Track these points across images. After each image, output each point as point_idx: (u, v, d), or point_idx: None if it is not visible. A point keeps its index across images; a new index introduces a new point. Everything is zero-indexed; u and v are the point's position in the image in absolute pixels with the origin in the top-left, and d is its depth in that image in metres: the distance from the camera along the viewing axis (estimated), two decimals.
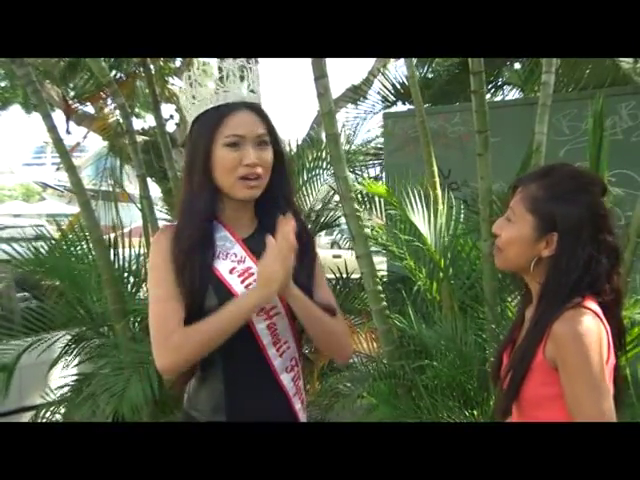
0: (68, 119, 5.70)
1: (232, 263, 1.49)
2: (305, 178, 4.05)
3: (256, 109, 1.50)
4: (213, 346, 1.43)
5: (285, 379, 1.52)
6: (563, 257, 1.34)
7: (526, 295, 1.49)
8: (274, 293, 1.43)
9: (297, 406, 1.55)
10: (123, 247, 3.69)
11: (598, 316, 1.31)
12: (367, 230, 3.11)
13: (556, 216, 1.35)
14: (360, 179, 4.39)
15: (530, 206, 1.39)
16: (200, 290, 1.45)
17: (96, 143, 7.73)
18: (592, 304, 1.33)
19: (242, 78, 1.51)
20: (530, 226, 1.38)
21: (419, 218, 3.02)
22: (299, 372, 1.57)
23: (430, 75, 5.73)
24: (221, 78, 1.49)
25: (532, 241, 1.38)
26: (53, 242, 3.58)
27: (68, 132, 5.33)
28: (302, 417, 1.57)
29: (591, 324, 1.29)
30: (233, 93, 1.49)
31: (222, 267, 1.49)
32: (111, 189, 6.07)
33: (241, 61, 1.51)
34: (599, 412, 1.26)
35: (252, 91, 1.52)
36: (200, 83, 1.50)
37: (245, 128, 1.47)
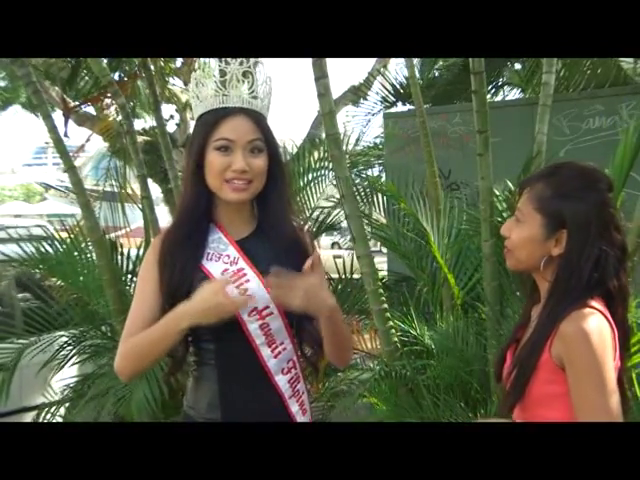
0: (67, 121, 5.66)
1: (224, 265, 1.48)
2: (307, 179, 4.05)
3: (253, 115, 1.49)
4: (151, 358, 1.44)
5: (280, 381, 1.50)
6: (573, 254, 1.35)
7: (533, 294, 1.49)
8: (208, 321, 1.37)
9: (294, 408, 1.52)
10: (122, 247, 3.69)
11: (605, 317, 1.32)
12: (370, 228, 3.10)
13: (564, 214, 1.36)
14: (361, 180, 4.38)
15: (538, 205, 1.39)
16: (182, 288, 1.43)
17: (96, 143, 7.72)
18: (599, 305, 1.33)
19: (244, 82, 1.50)
20: (539, 225, 1.38)
21: (422, 216, 3.03)
22: (298, 375, 1.55)
23: (431, 76, 5.73)
24: (223, 82, 1.48)
25: (542, 240, 1.38)
26: (55, 242, 3.57)
27: (66, 135, 5.24)
28: (300, 420, 1.54)
29: (598, 324, 1.29)
30: (233, 97, 1.48)
31: (214, 269, 1.47)
32: (112, 189, 6.06)
33: (246, 66, 1.50)
34: (606, 412, 1.26)
35: (254, 97, 1.50)
36: (203, 83, 1.50)
37: (236, 133, 1.46)
